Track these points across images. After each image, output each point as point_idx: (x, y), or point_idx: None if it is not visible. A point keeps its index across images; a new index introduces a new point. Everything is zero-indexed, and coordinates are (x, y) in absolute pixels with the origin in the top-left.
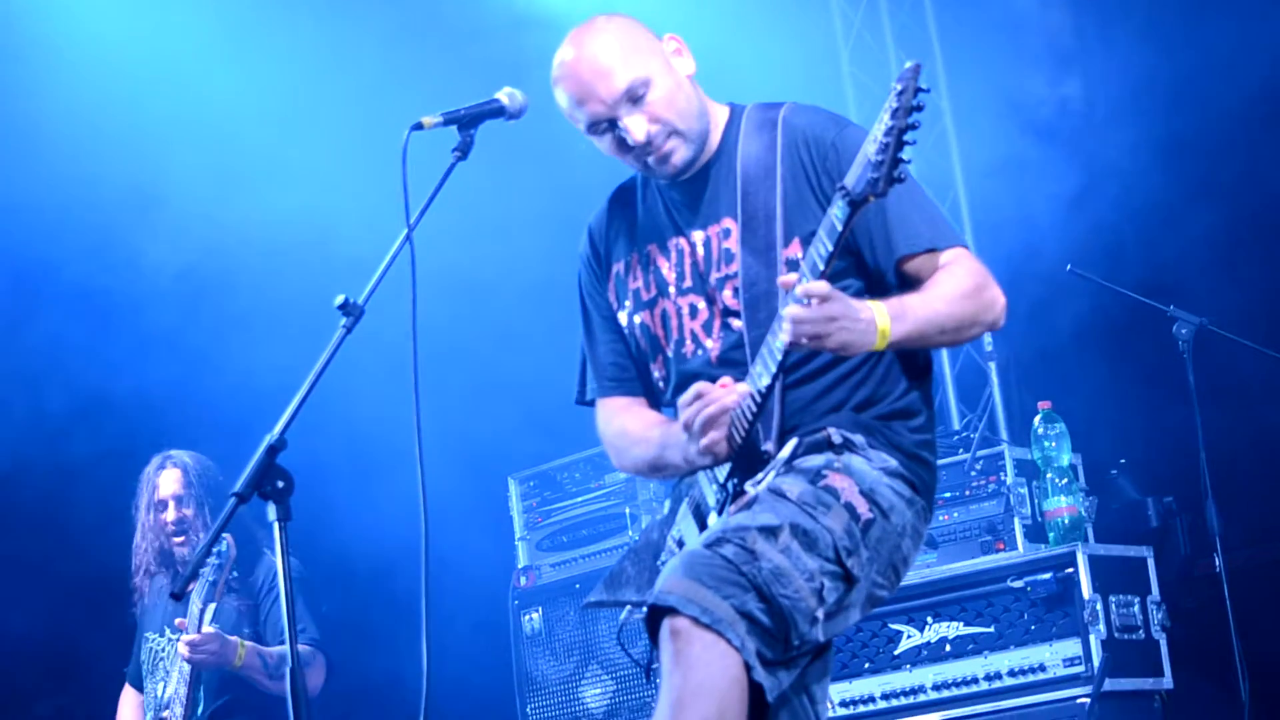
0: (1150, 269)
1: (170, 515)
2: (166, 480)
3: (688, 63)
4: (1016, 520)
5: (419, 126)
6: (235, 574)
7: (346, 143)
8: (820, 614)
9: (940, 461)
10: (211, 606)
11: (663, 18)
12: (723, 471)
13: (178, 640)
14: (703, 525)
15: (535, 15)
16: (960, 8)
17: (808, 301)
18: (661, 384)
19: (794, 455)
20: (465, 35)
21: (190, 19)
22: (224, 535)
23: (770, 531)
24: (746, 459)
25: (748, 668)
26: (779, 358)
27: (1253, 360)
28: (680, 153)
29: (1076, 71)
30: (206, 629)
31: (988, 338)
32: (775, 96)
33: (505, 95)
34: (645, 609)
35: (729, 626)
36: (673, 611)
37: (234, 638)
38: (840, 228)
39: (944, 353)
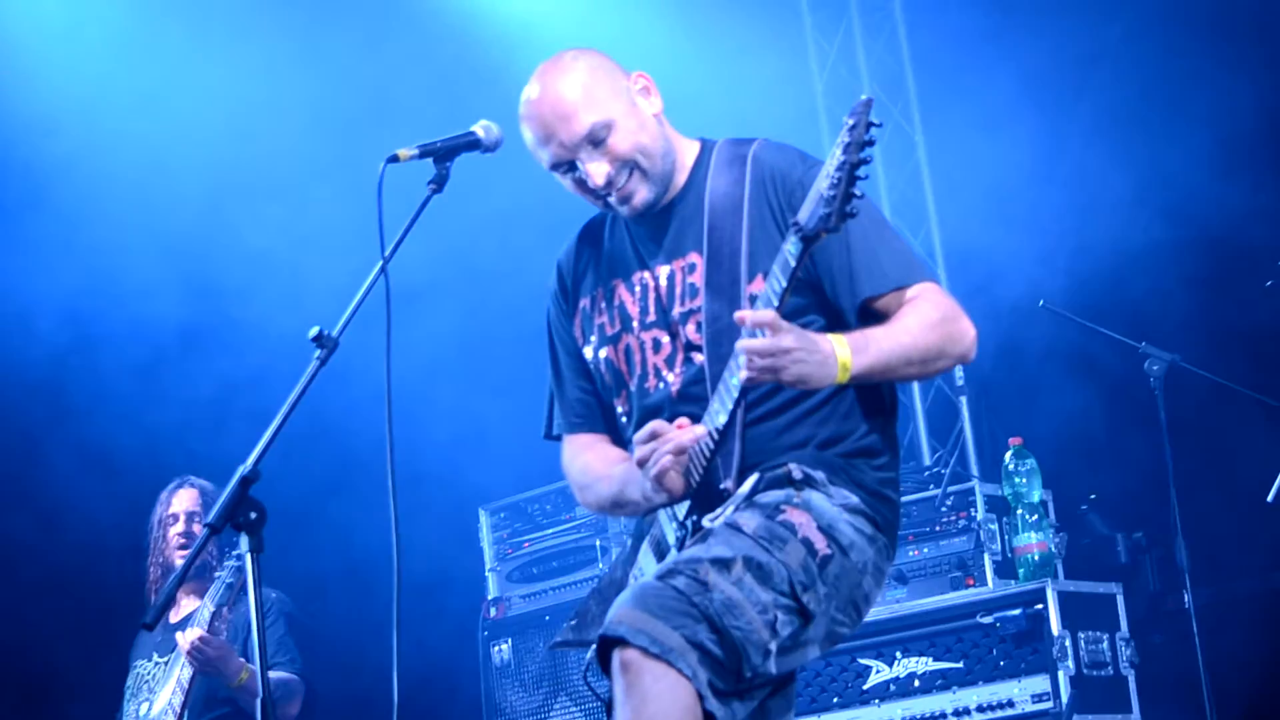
0: (1122, 306)
1: (179, 528)
2: (181, 498)
3: (655, 101)
4: (986, 556)
5: (395, 159)
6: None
7: (323, 173)
8: (773, 646)
9: (911, 497)
10: (223, 611)
11: (636, 48)
12: (682, 509)
13: (164, 663)
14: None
15: (515, 46)
16: (936, 40)
17: (760, 333)
18: (625, 419)
19: (754, 491)
20: (444, 67)
21: (167, 48)
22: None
23: (723, 563)
24: (705, 496)
25: (700, 698)
26: (735, 395)
27: (1223, 397)
28: (641, 194)
29: (1052, 107)
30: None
31: (959, 372)
32: (750, 128)
33: (481, 128)
34: (589, 635)
35: (679, 656)
36: (623, 642)
37: (241, 658)
38: (793, 263)
39: (915, 387)
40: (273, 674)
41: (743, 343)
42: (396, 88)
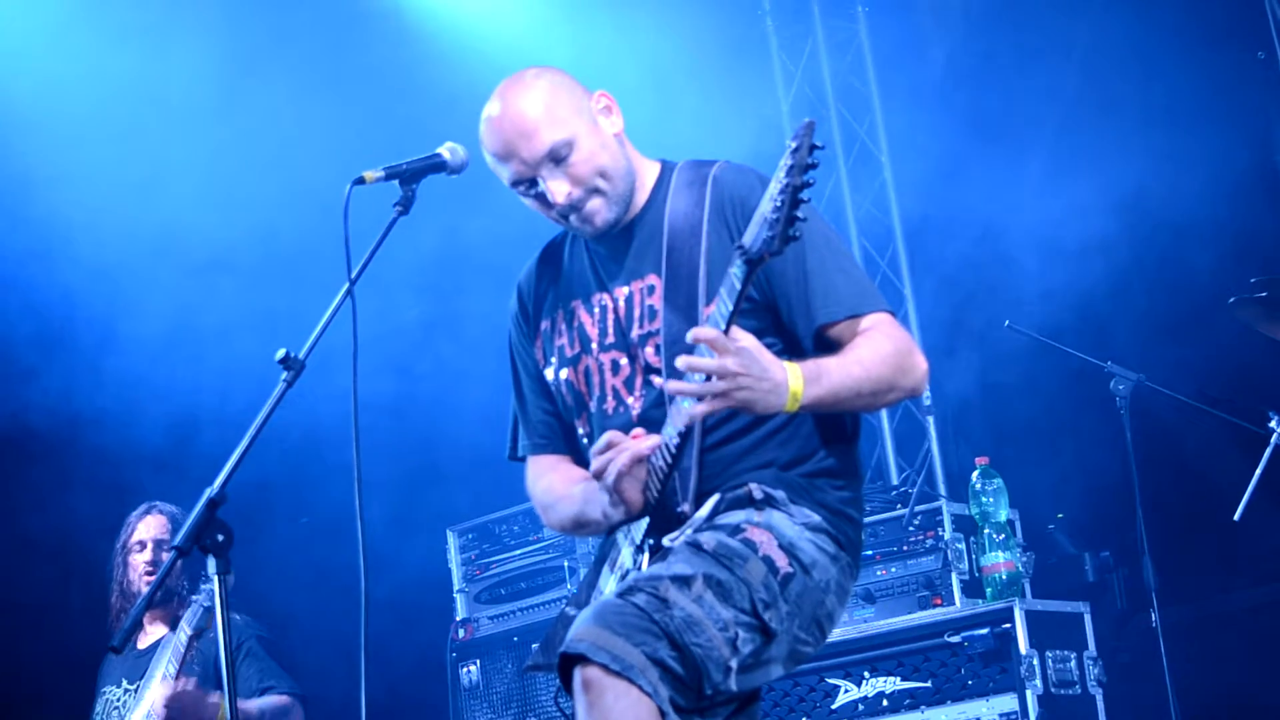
0: (1088, 326)
1: (147, 555)
2: (148, 524)
3: (616, 120)
4: (954, 575)
5: (360, 181)
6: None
7: (292, 194)
8: (734, 664)
9: (878, 516)
10: (201, 635)
11: (601, 68)
12: (640, 532)
13: (133, 690)
14: None
15: (477, 64)
16: (901, 62)
17: (710, 353)
18: (585, 440)
19: (715, 511)
20: (408, 87)
21: (133, 67)
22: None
23: (683, 580)
24: (664, 519)
25: (662, 715)
26: (686, 418)
27: (1189, 416)
28: (603, 213)
29: (1018, 128)
30: (183, 686)
31: (926, 392)
32: (715, 148)
33: (447, 150)
34: (556, 659)
35: (640, 673)
36: (584, 660)
37: (214, 694)
38: (739, 286)
39: None
40: (268, 698)
41: (687, 359)
42: (362, 109)
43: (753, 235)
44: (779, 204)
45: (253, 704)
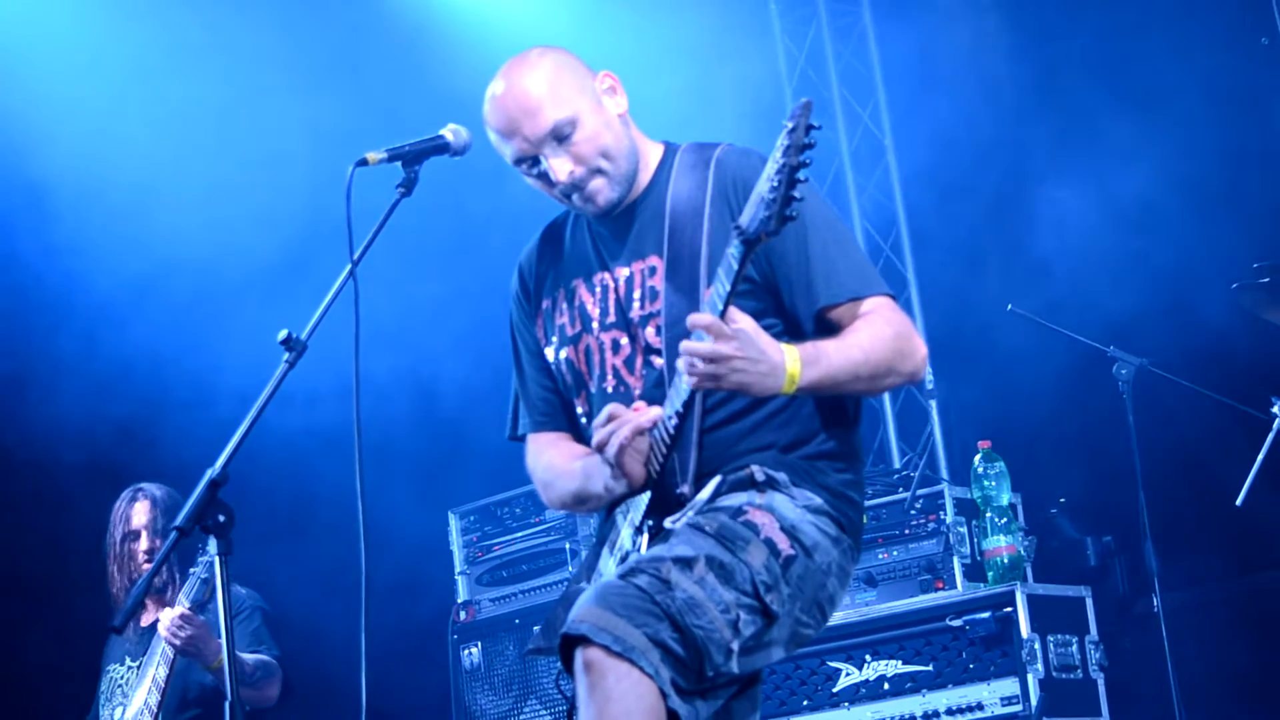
0: (1090, 309)
1: (143, 545)
2: (139, 512)
3: (620, 101)
4: (955, 559)
5: (363, 162)
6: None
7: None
8: (735, 646)
9: (880, 500)
10: (199, 607)
11: (605, 50)
12: (639, 513)
13: (137, 667)
14: None
15: (483, 48)
16: (905, 45)
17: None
18: (585, 420)
19: (716, 493)
20: (412, 68)
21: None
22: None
23: (685, 562)
24: (663, 500)
25: (663, 696)
26: (686, 395)
27: (1192, 401)
28: (605, 193)
29: (1019, 110)
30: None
31: (929, 375)
32: (718, 131)
33: (450, 131)
34: (558, 640)
35: (642, 655)
36: (585, 641)
37: (217, 640)
38: (736, 267)
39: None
40: (253, 655)
41: (685, 344)
42: (367, 92)
43: (749, 215)
44: (775, 184)
45: (248, 657)
